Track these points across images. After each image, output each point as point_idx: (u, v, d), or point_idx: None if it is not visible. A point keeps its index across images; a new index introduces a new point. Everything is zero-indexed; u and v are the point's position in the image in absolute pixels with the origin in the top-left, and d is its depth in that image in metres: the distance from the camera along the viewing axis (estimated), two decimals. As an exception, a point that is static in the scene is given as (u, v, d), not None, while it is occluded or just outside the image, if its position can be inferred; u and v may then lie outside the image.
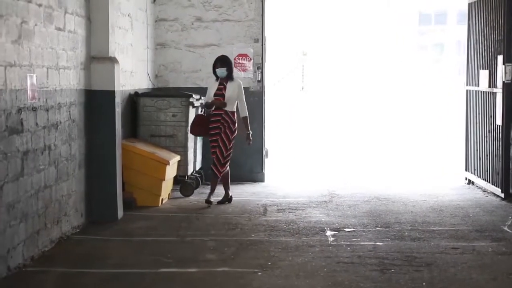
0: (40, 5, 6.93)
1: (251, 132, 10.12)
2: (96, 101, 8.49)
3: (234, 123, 9.90)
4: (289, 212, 9.43)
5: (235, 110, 9.96)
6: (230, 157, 10.02)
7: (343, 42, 27.73)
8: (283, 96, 23.57)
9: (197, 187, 10.92)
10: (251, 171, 12.02)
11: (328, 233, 8.18)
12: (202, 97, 11.20)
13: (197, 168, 11.31)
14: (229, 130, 9.88)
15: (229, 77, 9.97)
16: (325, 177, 12.89)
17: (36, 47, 6.87)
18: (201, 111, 10.38)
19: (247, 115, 10.05)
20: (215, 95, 9.94)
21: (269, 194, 10.82)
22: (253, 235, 8.08)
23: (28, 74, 6.64)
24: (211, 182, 10.16)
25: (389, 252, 7.29)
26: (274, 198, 10.51)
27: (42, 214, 7.05)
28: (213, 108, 9.94)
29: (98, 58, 8.54)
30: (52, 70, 7.32)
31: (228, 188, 10.14)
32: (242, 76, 11.94)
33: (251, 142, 10.13)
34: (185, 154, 10.51)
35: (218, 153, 9.89)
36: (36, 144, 6.88)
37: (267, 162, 12.35)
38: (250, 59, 11.98)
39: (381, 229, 8.40)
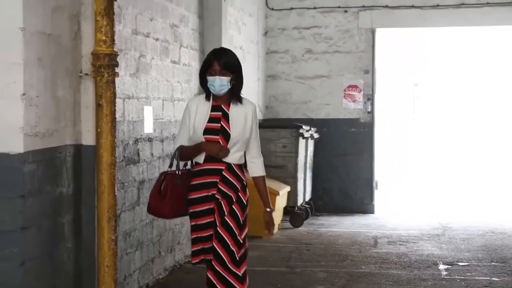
0: (157, 40, 7.17)
1: (273, 210, 5.44)
2: (209, 132, 8.64)
3: (245, 189, 5.22)
4: (400, 244, 9.29)
5: (243, 162, 5.17)
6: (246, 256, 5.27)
7: (456, 72, 27.23)
8: (394, 127, 23.33)
9: (306, 217, 10.93)
10: (361, 203, 11.94)
11: (441, 266, 8.00)
12: (312, 128, 11.25)
13: (307, 199, 11.33)
14: (238, 205, 5.22)
15: (236, 95, 5.03)
16: (436, 209, 12.62)
17: (153, 80, 7.09)
18: (172, 168, 5.08)
19: (265, 174, 5.24)
20: (206, 131, 4.98)
21: (379, 226, 10.70)
22: (363, 267, 8.00)
23: (144, 106, 6.87)
24: None
25: (505, 288, 7.07)
26: (384, 230, 10.38)
27: (156, 243, 7.23)
28: (200, 161, 5.01)
29: (211, 90, 8.71)
30: (167, 102, 7.54)
31: None
32: (352, 108, 11.95)
33: (272, 233, 5.46)
34: (295, 185, 10.54)
35: (223, 254, 5.22)
36: (151, 174, 7.07)
37: (377, 193, 12.23)
38: (360, 90, 11.94)
39: (497, 264, 8.15)
